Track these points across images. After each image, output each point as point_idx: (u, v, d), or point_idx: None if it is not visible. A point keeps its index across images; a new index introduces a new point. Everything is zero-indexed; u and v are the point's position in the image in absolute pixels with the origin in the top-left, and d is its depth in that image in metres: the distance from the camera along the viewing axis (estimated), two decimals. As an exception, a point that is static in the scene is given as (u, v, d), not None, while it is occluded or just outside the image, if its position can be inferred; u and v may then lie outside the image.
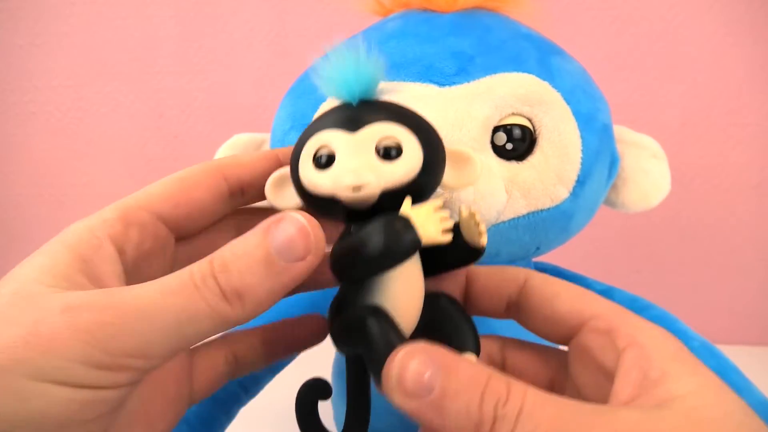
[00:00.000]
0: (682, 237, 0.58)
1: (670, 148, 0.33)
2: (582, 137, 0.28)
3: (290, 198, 0.22)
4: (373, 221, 0.19)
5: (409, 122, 0.20)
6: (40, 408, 0.16)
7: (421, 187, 0.20)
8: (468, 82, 0.28)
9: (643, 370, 0.18)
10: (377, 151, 0.20)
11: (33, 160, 0.67)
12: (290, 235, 0.18)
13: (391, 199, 0.20)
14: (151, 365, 0.17)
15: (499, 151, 0.28)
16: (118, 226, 0.20)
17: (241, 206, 0.25)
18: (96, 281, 0.18)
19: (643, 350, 0.18)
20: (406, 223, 0.19)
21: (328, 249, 0.20)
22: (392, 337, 0.19)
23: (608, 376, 0.19)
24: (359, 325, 0.19)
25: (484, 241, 0.21)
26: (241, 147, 0.34)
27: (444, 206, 0.20)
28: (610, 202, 0.33)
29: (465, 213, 0.21)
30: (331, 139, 0.20)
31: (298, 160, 0.21)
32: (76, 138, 0.66)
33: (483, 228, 0.21)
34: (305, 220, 0.18)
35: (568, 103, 0.28)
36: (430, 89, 0.28)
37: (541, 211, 0.28)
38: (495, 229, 0.28)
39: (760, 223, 0.57)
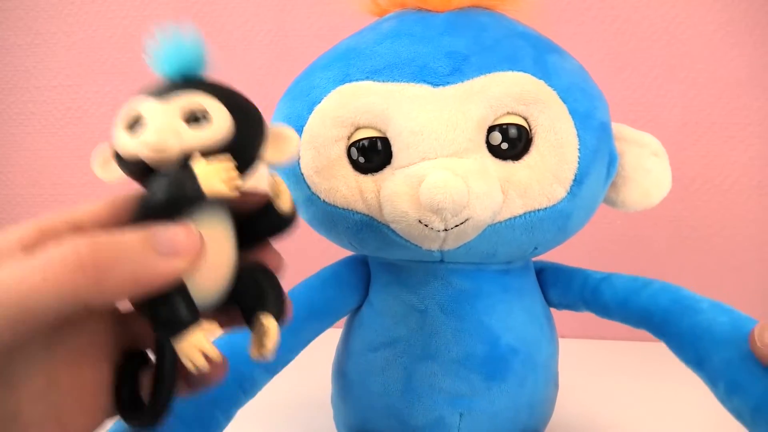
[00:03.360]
0: (682, 237, 0.58)
1: (671, 148, 0.33)
2: (579, 136, 0.28)
3: (114, 170, 0.23)
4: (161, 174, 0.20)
5: (221, 95, 0.22)
6: None
7: (233, 154, 0.21)
8: (462, 81, 0.28)
9: None
10: (184, 117, 0.21)
11: (32, 160, 0.67)
12: (175, 232, 0.19)
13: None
14: None
15: (495, 150, 0.28)
16: (32, 232, 0.20)
17: None
18: None
19: None
20: (190, 174, 0.20)
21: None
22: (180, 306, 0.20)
23: None
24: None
25: (285, 205, 0.23)
26: None
27: None
28: (610, 201, 0.33)
29: (271, 180, 0.23)
30: (142, 106, 0.21)
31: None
32: (76, 137, 0.66)
33: (286, 196, 0.23)
34: (194, 229, 0.20)
35: (565, 101, 0.28)
36: (424, 89, 0.28)
37: (538, 210, 0.28)
38: (491, 229, 0.28)
39: (760, 223, 0.57)
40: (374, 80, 0.28)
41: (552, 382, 0.34)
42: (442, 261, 0.30)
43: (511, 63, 0.28)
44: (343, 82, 0.29)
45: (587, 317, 0.63)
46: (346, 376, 0.34)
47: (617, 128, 0.32)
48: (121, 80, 0.64)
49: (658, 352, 0.55)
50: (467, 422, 0.31)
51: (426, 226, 0.27)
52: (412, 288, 0.32)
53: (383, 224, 0.29)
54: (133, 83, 0.62)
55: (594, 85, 0.31)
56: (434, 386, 0.31)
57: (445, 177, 0.26)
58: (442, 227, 0.27)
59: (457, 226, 0.27)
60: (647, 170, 0.32)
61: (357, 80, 0.29)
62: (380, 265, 0.33)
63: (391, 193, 0.27)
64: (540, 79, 0.28)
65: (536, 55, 0.29)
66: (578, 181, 0.28)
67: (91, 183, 0.65)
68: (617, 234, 0.58)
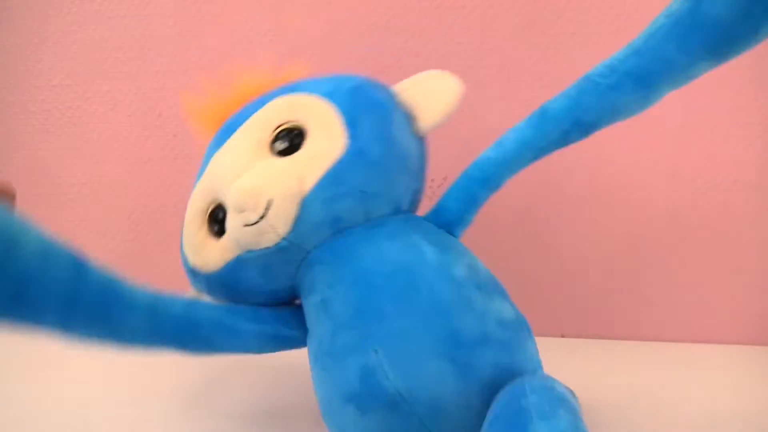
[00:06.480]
0: (682, 236, 0.58)
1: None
2: (333, 103, 0.34)
3: None
4: None
5: None
6: None
7: None
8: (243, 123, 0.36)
9: None
10: None
11: (31, 159, 0.67)
12: None
13: None
14: None
15: (283, 153, 0.33)
16: None
17: None
18: None
19: None
20: None
21: None
22: None
23: None
24: None
25: None
26: None
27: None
28: (423, 130, 0.36)
29: None
30: None
31: None
32: (75, 137, 0.66)
33: None
34: None
35: (315, 92, 0.35)
36: (223, 148, 0.36)
37: (334, 165, 0.32)
38: (309, 199, 0.31)
39: (760, 223, 0.57)
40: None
41: (454, 284, 0.31)
42: (301, 248, 0.32)
43: (286, 90, 0.37)
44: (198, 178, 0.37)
45: (588, 317, 0.62)
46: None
47: (400, 85, 0.37)
48: (120, 79, 0.64)
49: (659, 352, 0.55)
50: (383, 356, 0.29)
51: (252, 225, 0.31)
52: (312, 291, 0.33)
53: (243, 261, 0.33)
54: (133, 83, 0.63)
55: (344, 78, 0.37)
56: (356, 347, 0.30)
57: (235, 185, 0.31)
58: (257, 216, 0.31)
59: (268, 209, 0.30)
60: (425, 91, 0.36)
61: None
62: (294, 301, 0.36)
63: (232, 231, 0.32)
64: (303, 93, 0.35)
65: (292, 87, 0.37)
66: (351, 124, 0.33)
67: (90, 183, 0.66)
68: (615, 233, 0.58)
